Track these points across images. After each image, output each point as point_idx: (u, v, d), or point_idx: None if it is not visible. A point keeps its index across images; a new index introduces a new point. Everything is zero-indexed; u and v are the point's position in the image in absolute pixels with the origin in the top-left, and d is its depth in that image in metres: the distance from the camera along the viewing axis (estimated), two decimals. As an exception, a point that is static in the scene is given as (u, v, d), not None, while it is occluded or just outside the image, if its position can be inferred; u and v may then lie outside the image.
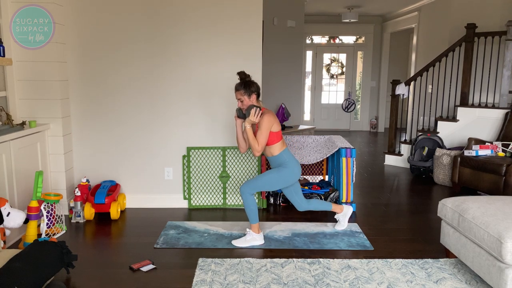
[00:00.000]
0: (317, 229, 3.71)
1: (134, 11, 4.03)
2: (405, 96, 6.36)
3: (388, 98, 8.49)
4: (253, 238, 3.37)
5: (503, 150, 4.91)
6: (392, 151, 6.53)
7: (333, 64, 10.49)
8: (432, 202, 4.62)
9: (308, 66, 10.35)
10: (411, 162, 5.84)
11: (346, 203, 4.14)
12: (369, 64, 10.21)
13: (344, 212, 3.71)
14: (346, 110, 10.22)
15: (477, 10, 6.27)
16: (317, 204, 3.60)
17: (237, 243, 3.37)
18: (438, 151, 5.38)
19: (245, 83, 3.26)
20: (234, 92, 3.30)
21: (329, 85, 10.58)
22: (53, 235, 3.49)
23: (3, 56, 3.53)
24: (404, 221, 4.02)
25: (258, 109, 3.17)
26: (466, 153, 4.95)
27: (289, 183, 3.39)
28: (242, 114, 3.28)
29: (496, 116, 5.38)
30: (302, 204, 3.52)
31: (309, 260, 3.09)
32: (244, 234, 3.47)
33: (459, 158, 4.96)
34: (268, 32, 6.61)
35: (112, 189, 4.08)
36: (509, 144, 4.90)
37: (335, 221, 3.84)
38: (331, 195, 4.40)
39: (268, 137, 3.22)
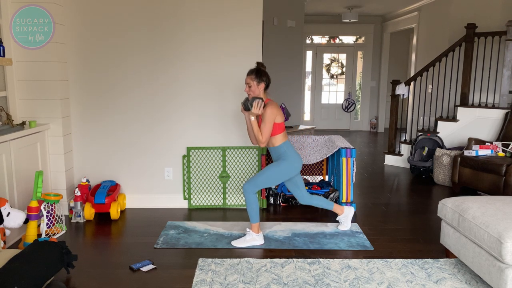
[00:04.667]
0: (317, 229, 3.71)
1: (134, 11, 4.03)
2: (405, 96, 6.36)
3: (388, 98, 8.49)
4: (253, 238, 3.37)
5: (503, 150, 4.90)
6: (392, 151, 6.53)
7: (333, 64, 10.49)
8: (432, 202, 4.62)
9: (308, 66, 10.35)
10: (411, 162, 5.84)
11: (346, 203, 4.14)
12: (369, 64, 10.20)
13: (346, 214, 3.71)
14: (346, 110, 10.22)
15: (477, 10, 6.26)
16: (319, 201, 3.59)
17: (236, 243, 3.37)
18: (438, 151, 5.38)
19: (258, 70, 3.31)
20: (246, 76, 3.33)
21: (329, 85, 10.58)
22: (53, 235, 3.49)
23: (3, 56, 3.53)
24: (404, 221, 4.02)
25: (261, 100, 3.19)
26: (466, 153, 4.94)
27: (290, 175, 3.39)
28: (247, 107, 3.25)
29: (496, 116, 5.38)
30: (304, 197, 3.52)
31: (309, 260, 3.09)
32: (244, 234, 3.47)
33: (459, 158, 4.96)
34: (268, 32, 6.61)
35: (112, 189, 4.08)
36: (509, 144, 4.90)
37: (336, 221, 3.85)
38: (331, 195, 4.40)
39: (272, 128, 3.25)
